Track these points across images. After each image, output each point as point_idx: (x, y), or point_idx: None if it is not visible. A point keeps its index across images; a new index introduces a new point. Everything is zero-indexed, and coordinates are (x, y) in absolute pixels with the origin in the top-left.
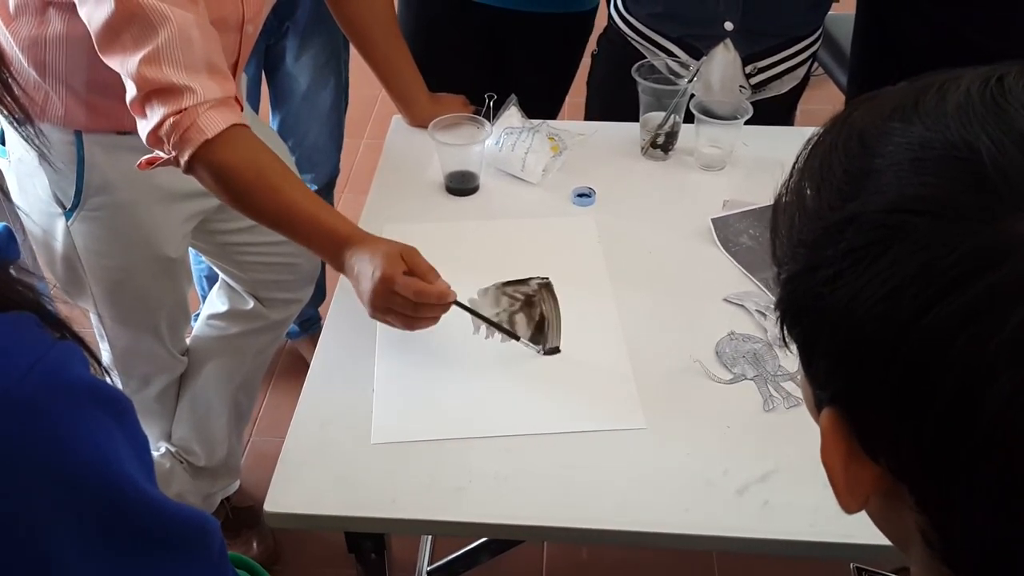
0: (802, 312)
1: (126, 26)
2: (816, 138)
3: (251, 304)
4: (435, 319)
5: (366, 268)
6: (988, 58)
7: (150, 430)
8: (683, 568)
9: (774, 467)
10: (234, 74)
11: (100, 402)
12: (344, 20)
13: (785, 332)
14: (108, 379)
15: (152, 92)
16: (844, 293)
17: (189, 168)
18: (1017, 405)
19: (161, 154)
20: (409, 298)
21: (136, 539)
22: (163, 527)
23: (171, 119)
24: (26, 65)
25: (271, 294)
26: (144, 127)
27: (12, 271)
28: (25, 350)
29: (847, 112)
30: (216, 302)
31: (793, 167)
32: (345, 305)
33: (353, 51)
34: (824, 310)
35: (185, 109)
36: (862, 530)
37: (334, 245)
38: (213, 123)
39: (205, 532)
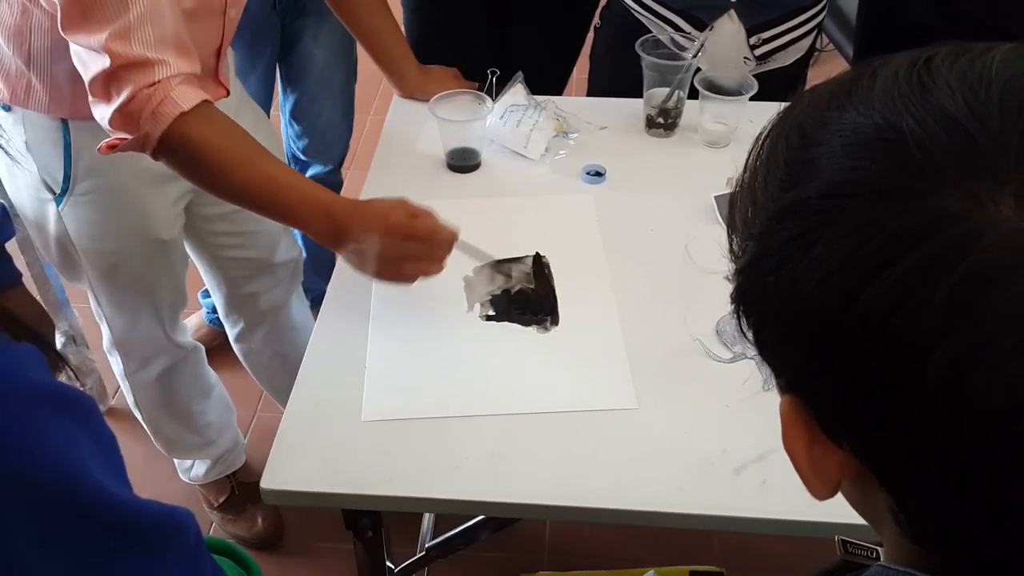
0: (752, 302)
1: (97, 1)
2: (764, 133)
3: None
4: (444, 263)
5: (372, 224)
6: (987, 31)
7: (151, 411)
8: (684, 544)
9: (773, 446)
10: (217, 58)
11: (57, 404)
12: None
13: (742, 323)
14: (73, 379)
15: (121, 67)
16: (787, 281)
17: (160, 146)
18: (951, 381)
19: (125, 136)
20: (424, 240)
21: (100, 540)
22: (129, 526)
23: (144, 92)
24: (10, 53)
25: (248, 289)
26: (107, 108)
27: None
28: None
29: (791, 106)
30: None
31: (746, 163)
32: (344, 284)
33: None
34: (770, 298)
35: (158, 82)
36: None
37: (320, 214)
38: (187, 96)
39: (176, 528)
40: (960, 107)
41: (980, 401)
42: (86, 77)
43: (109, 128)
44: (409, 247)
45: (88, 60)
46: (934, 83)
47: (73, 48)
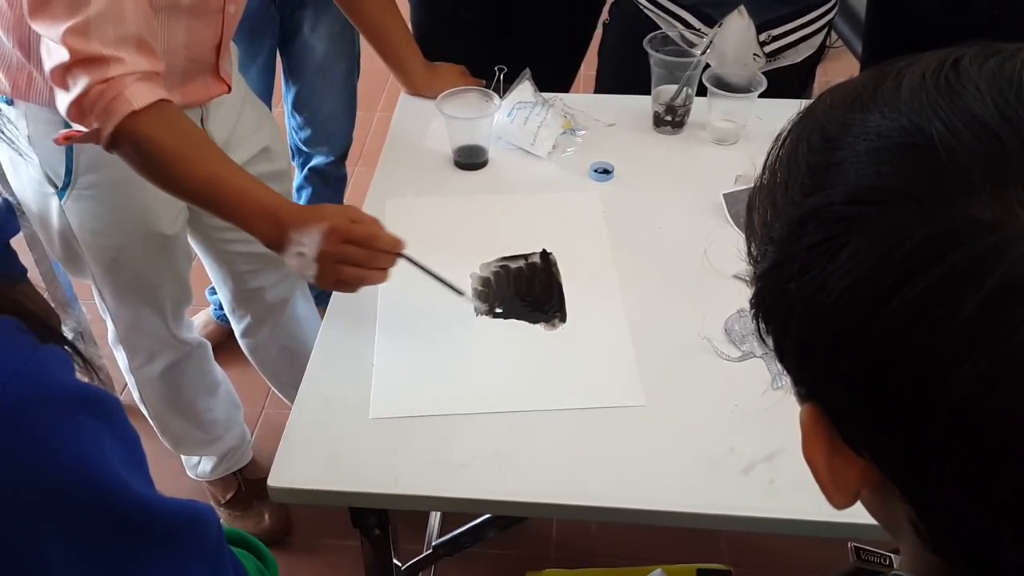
0: (772, 308)
1: None
2: (784, 134)
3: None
4: (386, 272)
5: (312, 228)
6: (996, 27)
7: (157, 407)
8: (692, 543)
9: (781, 446)
10: (218, 54)
11: (83, 405)
12: None
13: (761, 329)
14: (95, 378)
15: (78, 62)
16: (809, 288)
17: (112, 141)
18: (979, 392)
19: (81, 128)
20: (363, 244)
21: (126, 538)
22: (154, 524)
23: (97, 88)
24: (11, 46)
25: (255, 283)
26: (66, 98)
27: None
28: (5, 359)
29: (812, 106)
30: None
31: (764, 164)
32: None
33: None
34: (792, 305)
35: (112, 79)
36: None
37: (265, 216)
38: (140, 94)
39: (198, 523)
40: (989, 110)
41: (1009, 413)
42: (47, 65)
43: (67, 118)
44: (347, 251)
45: (52, 49)
46: (963, 86)
47: (41, 36)
